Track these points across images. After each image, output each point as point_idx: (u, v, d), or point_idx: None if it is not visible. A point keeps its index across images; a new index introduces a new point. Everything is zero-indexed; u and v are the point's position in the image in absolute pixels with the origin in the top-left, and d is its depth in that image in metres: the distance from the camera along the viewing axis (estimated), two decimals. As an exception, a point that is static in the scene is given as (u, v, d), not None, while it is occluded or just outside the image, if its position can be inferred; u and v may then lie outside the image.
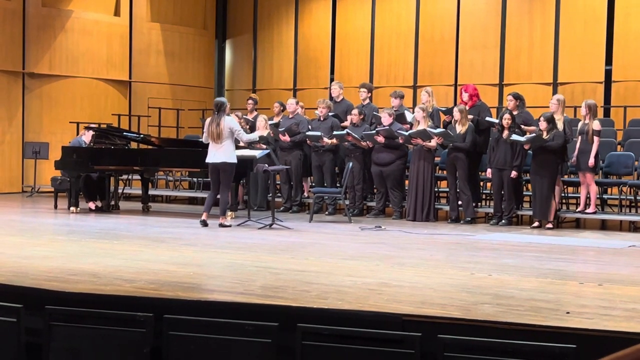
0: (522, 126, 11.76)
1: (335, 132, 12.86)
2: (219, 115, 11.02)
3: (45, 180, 15.98)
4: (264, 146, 13.07)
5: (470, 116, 12.14)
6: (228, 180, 11.14)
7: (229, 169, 11.07)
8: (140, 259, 7.91)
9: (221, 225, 10.95)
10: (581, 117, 11.94)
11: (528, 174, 12.10)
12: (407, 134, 12.17)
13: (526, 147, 11.39)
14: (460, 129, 11.94)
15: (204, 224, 10.97)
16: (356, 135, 12.62)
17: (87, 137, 13.41)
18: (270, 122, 13.69)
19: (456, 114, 12.02)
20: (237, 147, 11.87)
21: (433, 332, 5.03)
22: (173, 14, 19.66)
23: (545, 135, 11.22)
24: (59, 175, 13.77)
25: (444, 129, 12.09)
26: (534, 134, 11.33)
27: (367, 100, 13.56)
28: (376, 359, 5.11)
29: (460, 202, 12.09)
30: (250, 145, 12.76)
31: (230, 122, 11.12)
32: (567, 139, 11.47)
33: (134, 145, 14.38)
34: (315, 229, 11.10)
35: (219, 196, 11.22)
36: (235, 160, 11.10)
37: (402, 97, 13.47)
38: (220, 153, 11.00)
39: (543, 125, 11.27)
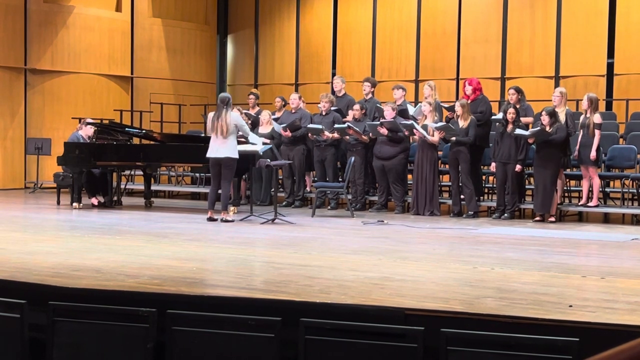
0: (521, 118, 11.76)
1: (336, 126, 12.86)
2: (226, 110, 11.02)
3: (48, 176, 15.99)
4: (267, 140, 13.09)
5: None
6: (230, 175, 11.16)
7: (232, 164, 11.09)
8: (143, 254, 7.92)
9: (224, 220, 10.98)
10: (583, 110, 11.94)
11: (531, 168, 12.11)
12: (410, 122, 12.17)
13: (530, 140, 11.39)
14: (462, 123, 11.93)
15: (211, 220, 11.00)
16: (357, 129, 12.62)
17: (84, 131, 13.39)
18: (272, 117, 13.70)
19: (458, 109, 12.01)
20: (239, 142, 11.88)
21: (436, 326, 5.03)
22: (174, 9, 19.65)
23: (548, 129, 11.21)
24: (62, 171, 13.78)
25: (445, 123, 12.09)
26: (538, 128, 11.33)
27: (370, 95, 13.56)
28: (379, 353, 5.12)
29: (462, 196, 12.09)
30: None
31: (236, 117, 11.15)
32: (570, 131, 11.47)
33: (136, 140, 14.39)
34: (317, 224, 11.11)
35: (220, 191, 11.25)
36: (237, 156, 11.12)
37: (404, 89, 13.47)
38: (223, 148, 11.00)
39: (545, 119, 11.27)
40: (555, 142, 11.20)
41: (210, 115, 11.28)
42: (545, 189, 11.27)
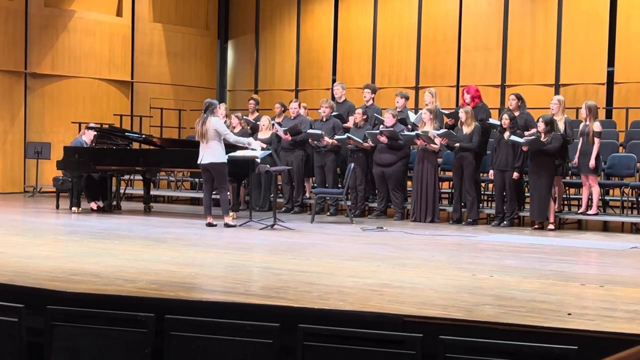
0: (524, 130, 11.74)
1: (337, 137, 12.86)
2: (206, 115, 11.07)
3: (47, 180, 15.98)
4: (265, 145, 13.09)
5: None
6: (222, 180, 11.16)
7: (220, 169, 11.09)
8: (142, 259, 7.91)
9: (226, 225, 10.98)
10: (582, 118, 11.94)
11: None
12: (413, 133, 12.16)
13: (524, 148, 11.38)
14: (466, 129, 11.93)
15: (210, 225, 11.01)
16: (357, 139, 12.62)
17: (87, 136, 13.41)
18: (272, 122, 13.71)
19: (462, 115, 12.01)
20: (239, 148, 11.88)
21: (434, 333, 5.03)
22: (175, 14, 19.67)
23: (543, 137, 11.20)
24: (61, 175, 13.77)
25: (446, 129, 12.10)
26: (533, 137, 11.33)
27: (371, 102, 13.56)
28: (377, 360, 5.11)
29: (463, 203, 12.08)
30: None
31: (216, 123, 11.12)
32: (568, 139, 11.46)
33: (135, 145, 14.39)
34: (316, 230, 11.10)
35: (216, 196, 11.26)
36: (224, 160, 11.11)
37: (407, 98, 13.51)
38: (208, 154, 11.04)
39: (541, 126, 11.26)
40: (549, 151, 11.19)
41: (197, 119, 11.33)
42: (540, 197, 11.25)
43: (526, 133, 11.74)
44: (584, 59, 15.86)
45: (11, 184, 16.95)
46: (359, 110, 13.06)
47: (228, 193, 11.92)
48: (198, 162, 11.16)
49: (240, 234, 10.43)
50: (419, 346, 5.01)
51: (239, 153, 11.62)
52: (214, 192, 11.40)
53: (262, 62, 19.81)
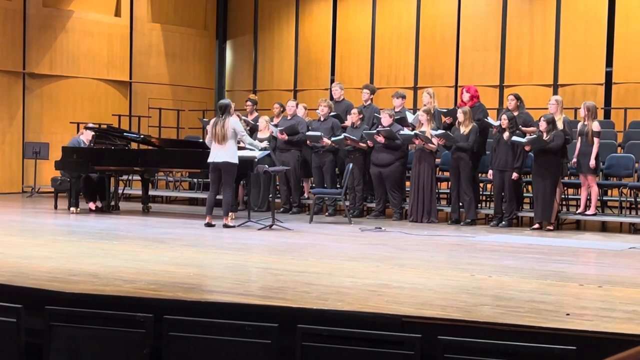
0: (522, 127, 11.76)
1: (333, 138, 12.85)
2: (224, 117, 11.03)
3: (46, 180, 15.97)
4: (267, 145, 13.09)
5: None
6: (230, 180, 11.15)
7: (231, 169, 11.08)
8: (140, 259, 7.91)
9: (225, 226, 10.97)
10: (581, 118, 11.95)
11: (529, 176, 12.10)
12: (411, 133, 12.16)
13: (527, 148, 11.38)
14: (464, 130, 11.93)
15: (209, 225, 11.00)
16: (354, 138, 12.62)
17: (86, 136, 13.40)
18: (270, 123, 13.71)
19: (460, 116, 12.01)
20: (238, 148, 11.87)
21: (433, 334, 5.03)
22: (174, 14, 19.66)
23: (545, 137, 11.21)
24: (59, 176, 13.76)
25: (444, 130, 12.09)
26: (534, 135, 11.33)
27: (369, 102, 13.56)
28: (376, 360, 5.11)
29: (461, 203, 12.09)
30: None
31: (234, 123, 11.14)
32: (567, 138, 11.47)
33: (134, 145, 14.37)
34: (315, 230, 11.10)
35: (219, 196, 11.24)
36: (237, 161, 11.12)
37: (403, 97, 13.50)
38: (222, 153, 11.00)
39: (543, 125, 11.27)
40: (552, 150, 11.19)
41: (212, 121, 11.29)
42: (545, 198, 11.25)
43: (525, 129, 11.74)
44: (583, 60, 15.87)
45: (9, 184, 16.94)
46: (355, 110, 13.06)
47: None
48: (210, 160, 11.09)
49: (238, 235, 10.42)
50: (418, 347, 5.00)
51: (238, 153, 11.62)
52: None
53: (261, 63, 19.80)
